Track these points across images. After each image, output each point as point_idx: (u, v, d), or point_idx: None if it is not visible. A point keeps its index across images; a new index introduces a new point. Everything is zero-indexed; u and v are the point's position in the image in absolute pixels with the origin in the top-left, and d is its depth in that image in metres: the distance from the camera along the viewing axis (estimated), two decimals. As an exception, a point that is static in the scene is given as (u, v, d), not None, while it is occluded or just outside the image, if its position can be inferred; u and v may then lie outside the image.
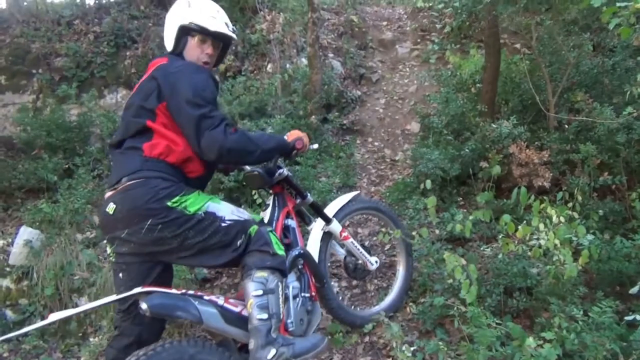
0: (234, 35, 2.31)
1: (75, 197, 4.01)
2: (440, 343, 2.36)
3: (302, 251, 2.44)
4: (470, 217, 2.85)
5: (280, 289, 2.09)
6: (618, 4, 2.08)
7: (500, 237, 2.76)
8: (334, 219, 2.78)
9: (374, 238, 4.06)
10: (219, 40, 2.29)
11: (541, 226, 2.40)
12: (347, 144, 5.69)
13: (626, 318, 2.14)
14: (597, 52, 5.19)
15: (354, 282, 3.55)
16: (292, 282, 2.37)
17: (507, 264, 2.88)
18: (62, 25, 6.75)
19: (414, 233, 3.05)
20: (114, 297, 1.98)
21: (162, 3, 7.32)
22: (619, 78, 4.33)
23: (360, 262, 2.96)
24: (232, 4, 6.67)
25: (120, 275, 2.06)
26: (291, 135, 2.40)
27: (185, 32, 2.20)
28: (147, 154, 2.00)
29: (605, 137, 3.68)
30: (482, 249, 3.25)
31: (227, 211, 2.12)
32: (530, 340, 2.09)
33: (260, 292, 2.01)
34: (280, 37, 6.06)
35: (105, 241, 2.19)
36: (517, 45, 6.42)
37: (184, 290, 2.04)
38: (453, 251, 3.07)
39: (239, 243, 2.08)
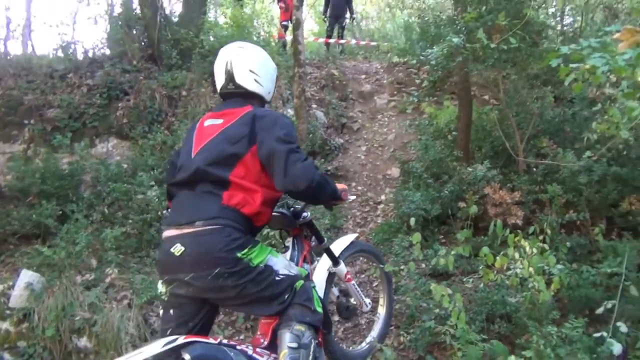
0: None
1: (76, 240, 4.16)
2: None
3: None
4: (452, 252, 3.15)
5: (312, 345, 2.11)
6: (571, 65, 2.48)
7: (480, 268, 3.03)
8: (341, 261, 2.87)
9: (362, 275, 4.29)
10: None
11: (516, 255, 2.70)
12: (332, 188, 5.98)
13: (594, 335, 2.42)
14: (558, 103, 5.72)
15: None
16: None
17: (488, 293, 3.15)
18: (56, 78, 7.00)
19: (402, 267, 3.32)
20: (160, 347, 1.93)
21: (152, 58, 7.71)
22: (578, 126, 4.80)
23: (352, 302, 3.02)
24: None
25: (171, 312, 2.10)
26: (338, 185, 2.48)
27: None
28: (226, 202, 2.03)
29: (569, 178, 4.08)
30: (464, 280, 3.52)
31: (281, 265, 2.19)
32: (513, 358, 2.34)
33: (295, 345, 2.05)
34: (267, 89, 6.44)
35: (160, 281, 2.13)
36: (486, 97, 6.96)
37: (219, 339, 2.11)
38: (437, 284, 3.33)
39: (286, 297, 2.13)
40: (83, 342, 3.64)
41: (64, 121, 6.50)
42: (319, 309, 2.20)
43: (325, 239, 2.77)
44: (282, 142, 2.04)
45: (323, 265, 2.83)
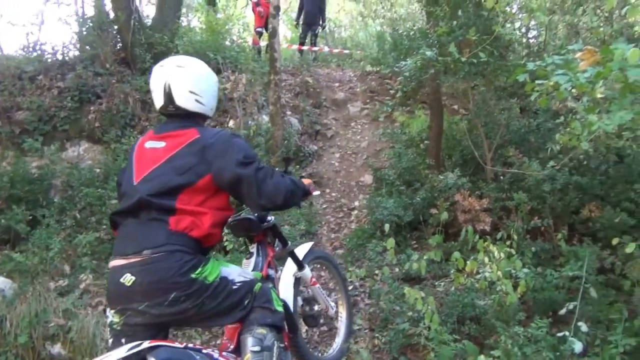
0: None
1: (49, 246, 4.11)
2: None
3: (284, 302, 2.50)
4: (425, 257, 3.29)
5: (275, 347, 2.11)
6: (536, 82, 2.64)
7: (452, 272, 3.18)
8: (306, 265, 2.88)
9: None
10: None
11: (486, 260, 2.85)
12: (307, 194, 6.07)
13: (557, 334, 2.58)
14: (524, 114, 5.98)
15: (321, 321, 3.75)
16: None
17: (459, 296, 3.29)
18: (25, 79, 6.86)
19: (376, 272, 3.42)
20: (125, 352, 1.87)
21: (125, 61, 7.64)
22: (542, 137, 5.04)
23: (316, 309, 3.01)
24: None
25: (123, 341, 1.98)
26: (304, 181, 2.51)
27: None
28: (173, 227, 1.97)
29: (534, 186, 4.28)
30: (435, 284, 3.66)
31: (235, 274, 2.16)
32: (482, 358, 2.48)
33: (258, 348, 2.05)
34: (243, 96, 6.51)
35: (111, 310, 2.02)
36: (456, 107, 7.20)
37: (185, 344, 2.07)
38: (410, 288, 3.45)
39: (246, 302, 2.13)
40: (57, 349, 3.60)
41: (33, 124, 6.39)
42: (279, 308, 2.23)
43: (289, 242, 2.78)
44: (244, 165, 2.04)
45: (288, 271, 2.83)
